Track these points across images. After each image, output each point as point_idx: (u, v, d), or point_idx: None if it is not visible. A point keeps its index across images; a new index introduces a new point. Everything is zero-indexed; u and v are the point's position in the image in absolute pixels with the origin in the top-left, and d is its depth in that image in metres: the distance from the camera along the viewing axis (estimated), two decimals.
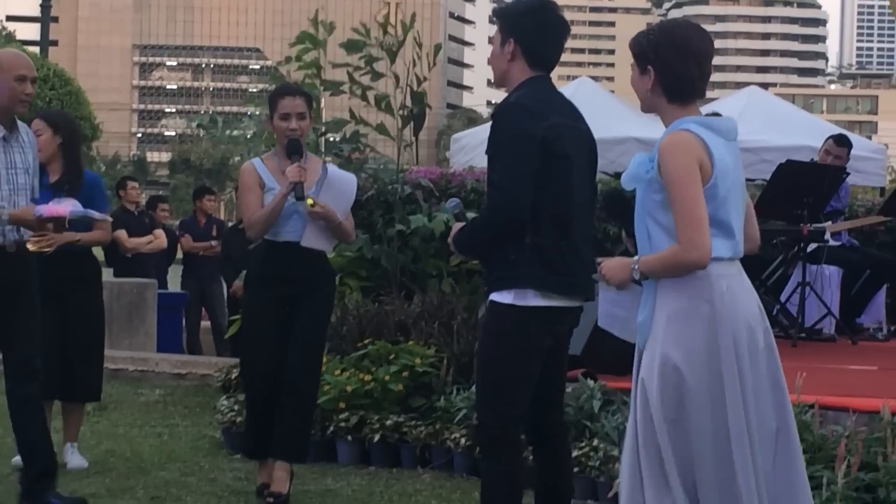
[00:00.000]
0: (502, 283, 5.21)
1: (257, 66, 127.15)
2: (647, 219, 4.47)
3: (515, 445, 5.34)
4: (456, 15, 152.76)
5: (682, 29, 4.59)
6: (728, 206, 4.45)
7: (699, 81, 4.55)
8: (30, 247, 6.49)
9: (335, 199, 6.95)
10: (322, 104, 10.92)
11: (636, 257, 4.50)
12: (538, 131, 5.16)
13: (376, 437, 7.75)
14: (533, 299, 5.19)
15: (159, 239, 14.39)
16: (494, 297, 5.24)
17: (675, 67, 4.47)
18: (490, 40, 5.37)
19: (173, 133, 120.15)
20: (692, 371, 4.33)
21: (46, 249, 6.61)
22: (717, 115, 4.56)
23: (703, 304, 4.37)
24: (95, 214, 6.93)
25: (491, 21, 5.51)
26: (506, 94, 5.40)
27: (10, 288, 6.42)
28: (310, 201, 6.80)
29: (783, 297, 10.78)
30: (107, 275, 14.46)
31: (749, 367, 4.37)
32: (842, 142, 11.39)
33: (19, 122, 6.59)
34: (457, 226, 5.44)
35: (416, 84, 9.70)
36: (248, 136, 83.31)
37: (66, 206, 6.52)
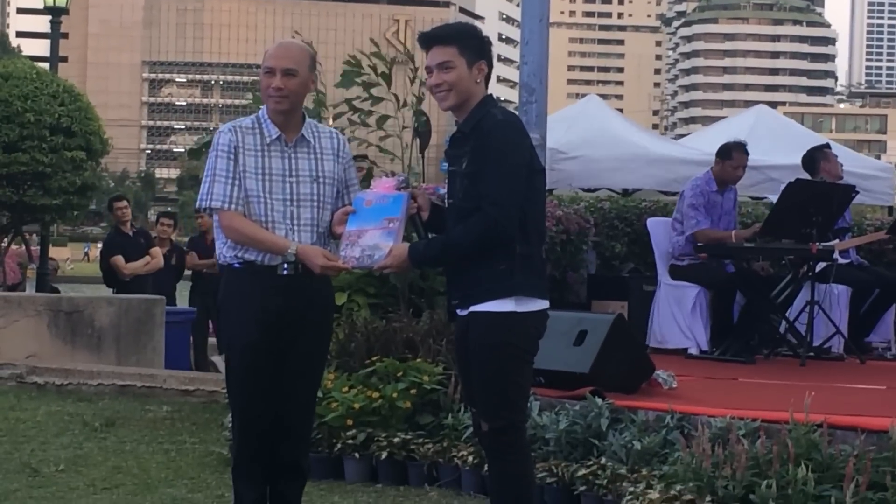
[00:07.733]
0: (495, 293, 5.20)
1: None
2: None
3: (527, 448, 5.43)
4: None
5: None
6: None
7: None
8: None
9: None
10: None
11: None
12: (527, 149, 5.26)
13: (384, 455, 7.73)
14: (532, 304, 5.26)
15: (156, 259, 14.47)
16: (487, 307, 5.22)
17: None
18: (444, 64, 5.24)
19: (182, 149, 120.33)
20: None
21: None
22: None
23: None
24: None
25: (442, 42, 5.33)
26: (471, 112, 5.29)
27: None
28: None
29: (791, 316, 10.76)
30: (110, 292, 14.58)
31: None
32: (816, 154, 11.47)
33: (321, 128, 5.85)
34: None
35: (416, 103, 9.72)
36: None
37: None
